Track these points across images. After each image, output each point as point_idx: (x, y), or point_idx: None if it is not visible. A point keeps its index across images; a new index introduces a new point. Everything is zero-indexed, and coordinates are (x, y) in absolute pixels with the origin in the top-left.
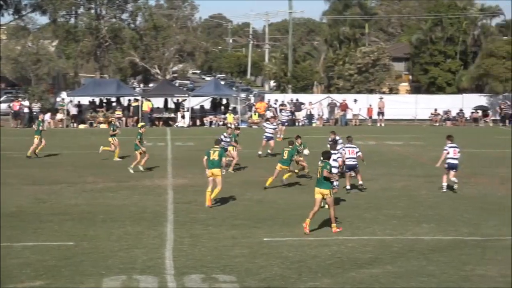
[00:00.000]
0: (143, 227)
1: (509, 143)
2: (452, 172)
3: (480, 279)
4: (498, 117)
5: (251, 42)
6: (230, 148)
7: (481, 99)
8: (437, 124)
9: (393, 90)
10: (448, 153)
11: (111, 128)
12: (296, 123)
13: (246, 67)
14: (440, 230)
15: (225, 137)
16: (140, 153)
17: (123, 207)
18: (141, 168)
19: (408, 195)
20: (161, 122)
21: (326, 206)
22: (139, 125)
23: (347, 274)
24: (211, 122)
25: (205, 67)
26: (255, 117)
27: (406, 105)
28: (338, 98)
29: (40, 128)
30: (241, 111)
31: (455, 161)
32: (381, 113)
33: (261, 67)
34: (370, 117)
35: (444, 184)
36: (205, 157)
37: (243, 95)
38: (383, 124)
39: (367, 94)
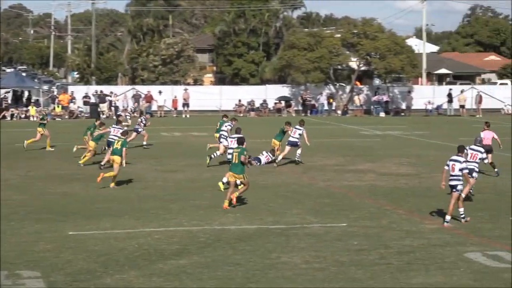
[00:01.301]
0: None
1: (311, 133)
2: (287, 147)
3: (285, 266)
4: (300, 107)
5: (53, 33)
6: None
7: (284, 90)
8: (242, 114)
9: (197, 81)
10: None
11: (41, 117)
12: (101, 115)
13: (48, 58)
14: (245, 219)
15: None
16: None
17: None
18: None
19: (215, 185)
20: None
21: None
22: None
23: (154, 266)
24: (12, 115)
25: (5, 58)
26: (58, 109)
27: (211, 96)
28: (143, 89)
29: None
30: (44, 103)
31: (294, 139)
32: (186, 104)
33: (63, 58)
34: (175, 109)
35: (280, 157)
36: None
37: (45, 87)
38: (188, 116)
39: (172, 86)
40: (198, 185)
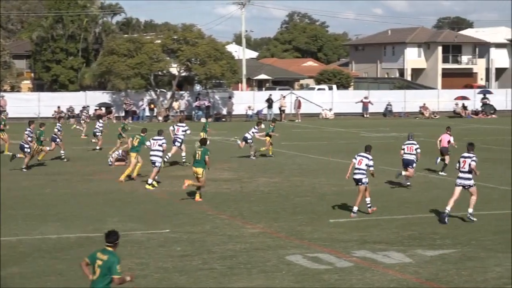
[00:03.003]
0: None
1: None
2: (175, 148)
3: None
4: (122, 114)
5: None
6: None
7: (104, 96)
8: (61, 121)
9: (15, 88)
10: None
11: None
12: None
13: None
14: (66, 228)
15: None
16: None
17: None
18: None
19: (34, 194)
20: None
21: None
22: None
23: None
24: None
25: None
26: None
27: (29, 103)
28: None
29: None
30: None
31: (179, 138)
32: (3, 111)
33: None
34: None
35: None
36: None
37: None
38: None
39: None
40: (15, 194)
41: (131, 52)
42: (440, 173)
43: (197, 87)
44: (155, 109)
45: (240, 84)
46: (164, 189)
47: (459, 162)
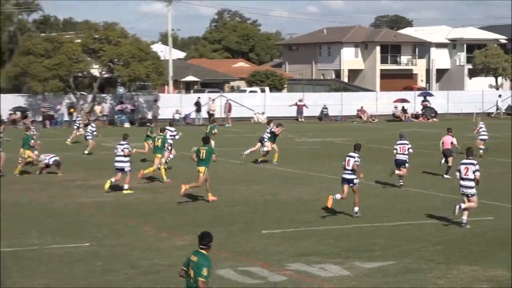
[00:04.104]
0: None
1: (49, 146)
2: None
3: None
4: (39, 118)
5: None
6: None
7: (19, 100)
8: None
9: None
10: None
11: None
12: None
13: None
14: None
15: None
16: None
17: None
18: None
19: None
20: None
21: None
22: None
23: None
24: None
25: None
26: None
27: None
28: None
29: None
30: None
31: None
32: None
33: None
34: None
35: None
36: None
37: None
38: None
39: None
40: None
41: (49, 52)
42: (444, 175)
43: (120, 90)
44: (75, 113)
45: (166, 87)
46: (85, 200)
47: (460, 170)
